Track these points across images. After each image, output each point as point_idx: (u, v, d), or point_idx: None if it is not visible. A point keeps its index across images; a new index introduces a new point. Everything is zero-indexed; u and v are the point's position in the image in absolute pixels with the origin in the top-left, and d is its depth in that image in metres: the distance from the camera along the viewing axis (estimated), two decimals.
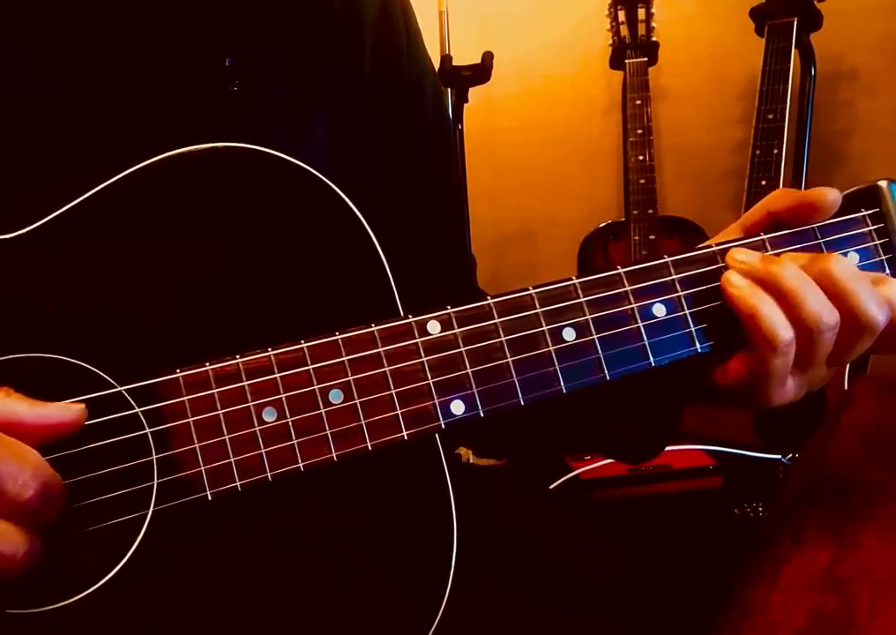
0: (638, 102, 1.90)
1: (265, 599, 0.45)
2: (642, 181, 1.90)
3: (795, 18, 1.71)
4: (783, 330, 0.48)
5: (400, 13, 0.72)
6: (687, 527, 0.70)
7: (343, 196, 0.48)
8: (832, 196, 0.51)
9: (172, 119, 0.56)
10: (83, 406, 0.41)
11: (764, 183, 1.70)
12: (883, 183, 0.54)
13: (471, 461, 1.66)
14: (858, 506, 0.61)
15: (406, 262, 0.51)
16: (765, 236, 0.52)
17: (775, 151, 1.69)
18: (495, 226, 2.39)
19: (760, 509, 1.42)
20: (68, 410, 0.41)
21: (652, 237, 1.91)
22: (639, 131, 1.90)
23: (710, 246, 0.52)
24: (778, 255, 0.51)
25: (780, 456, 1.50)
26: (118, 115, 0.55)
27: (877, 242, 0.54)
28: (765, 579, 0.54)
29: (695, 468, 1.51)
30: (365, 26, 0.68)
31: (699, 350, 0.50)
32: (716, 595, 0.54)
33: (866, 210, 0.54)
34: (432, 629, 0.46)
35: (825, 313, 0.47)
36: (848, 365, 1.16)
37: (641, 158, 1.90)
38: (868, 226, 0.54)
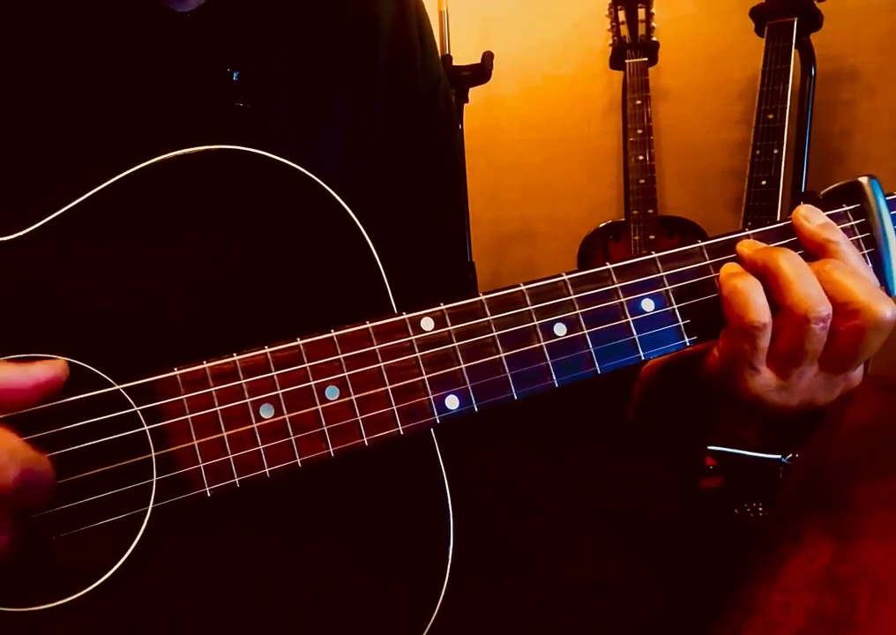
0: (638, 102, 1.90)
1: (263, 596, 0.46)
2: (642, 181, 1.90)
3: (795, 18, 1.71)
4: (755, 312, 0.48)
5: (416, 25, 0.71)
6: (687, 527, 0.69)
7: (336, 197, 0.49)
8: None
9: (176, 133, 0.56)
10: (64, 360, 0.42)
11: (764, 182, 1.70)
12: (864, 180, 0.55)
13: None
14: (858, 506, 0.61)
15: (406, 270, 0.51)
16: (749, 231, 0.53)
17: (775, 151, 1.69)
18: (495, 225, 2.40)
19: (760, 509, 1.42)
20: (53, 366, 0.42)
21: (652, 237, 1.91)
22: (639, 131, 1.90)
23: (697, 242, 0.52)
24: None
25: (780, 456, 1.50)
26: (122, 128, 0.55)
27: (859, 236, 0.54)
28: (765, 579, 0.54)
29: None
30: (381, 38, 0.67)
31: (688, 344, 0.51)
32: (716, 595, 0.54)
33: (847, 205, 0.55)
34: (429, 626, 0.46)
35: (814, 301, 0.47)
36: None
37: (641, 158, 1.90)
38: (850, 221, 0.55)
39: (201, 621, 0.44)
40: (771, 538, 0.61)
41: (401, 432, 0.46)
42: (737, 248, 0.51)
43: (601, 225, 2.04)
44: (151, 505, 0.43)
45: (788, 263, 0.48)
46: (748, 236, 0.52)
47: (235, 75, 0.59)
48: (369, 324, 0.46)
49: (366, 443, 0.46)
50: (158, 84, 0.57)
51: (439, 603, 0.47)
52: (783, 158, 1.69)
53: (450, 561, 0.48)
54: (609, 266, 0.50)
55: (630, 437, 0.67)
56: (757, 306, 0.48)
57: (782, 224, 0.53)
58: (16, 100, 0.53)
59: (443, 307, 0.48)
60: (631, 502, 0.68)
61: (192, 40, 0.58)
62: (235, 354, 0.45)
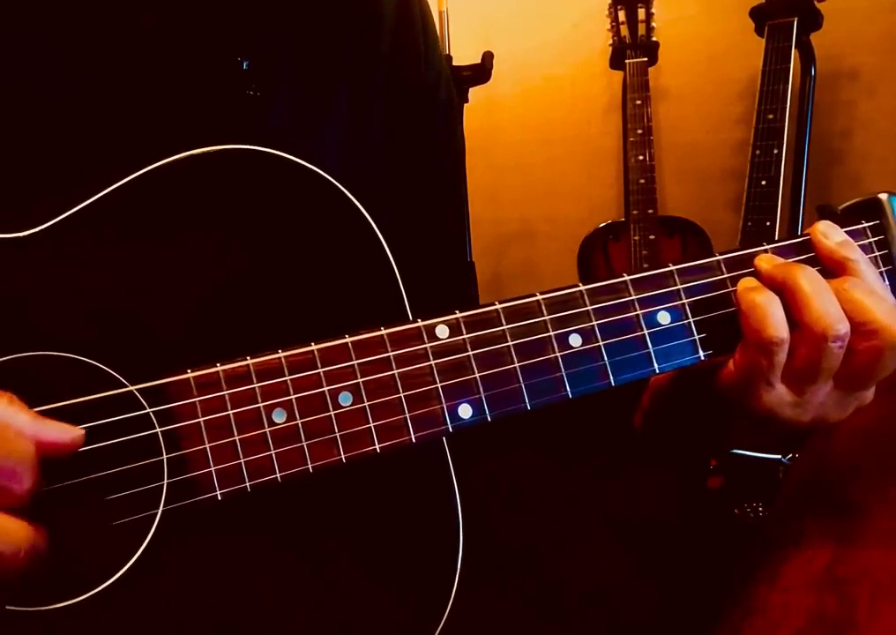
0: (638, 102, 1.90)
1: (269, 601, 0.46)
2: (642, 181, 1.90)
3: (795, 18, 1.71)
4: (773, 328, 0.47)
5: (419, 17, 0.71)
6: (687, 527, 0.70)
7: (353, 199, 0.49)
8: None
9: (187, 122, 0.56)
10: (83, 431, 0.41)
11: (764, 182, 1.70)
12: (883, 196, 0.55)
13: None
14: (858, 507, 0.61)
15: (410, 268, 0.51)
16: (768, 246, 0.53)
17: (775, 151, 1.70)
18: (495, 225, 2.40)
19: (760, 509, 1.42)
20: (68, 431, 0.40)
21: (652, 237, 1.91)
22: (639, 131, 1.90)
23: (714, 255, 0.52)
24: None
25: (780, 456, 1.51)
26: (133, 118, 0.55)
27: (877, 253, 0.55)
28: (765, 579, 0.54)
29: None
30: (383, 30, 0.67)
31: (703, 357, 0.51)
32: (716, 595, 0.55)
33: (866, 222, 0.55)
34: (436, 634, 0.47)
35: (833, 319, 0.47)
36: None
37: (641, 158, 1.90)
38: (868, 237, 0.55)
39: (207, 624, 0.45)
40: (771, 538, 0.61)
41: (413, 440, 0.46)
42: (755, 262, 0.51)
43: (601, 225, 2.04)
44: (161, 508, 0.43)
45: (807, 279, 0.48)
46: (766, 251, 0.52)
47: (245, 63, 0.58)
48: (383, 331, 0.46)
49: (378, 450, 0.45)
50: (168, 72, 0.57)
51: (447, 611, 0.47)
52: (783, 158, 1.70)
53: (458, 569, 0.48)
54: (626, 278, 0.50)
55: (641, 446, 0.67)
56: (776, 321, 0.48)
57: (800, 239, 0.53)
58: (24, 95, 0.53)
59: (458, 314, 0.47)
60: (640, 509, 0.68)
61: (201, 27, 0.58)
62: (248, 358, 0.44)
